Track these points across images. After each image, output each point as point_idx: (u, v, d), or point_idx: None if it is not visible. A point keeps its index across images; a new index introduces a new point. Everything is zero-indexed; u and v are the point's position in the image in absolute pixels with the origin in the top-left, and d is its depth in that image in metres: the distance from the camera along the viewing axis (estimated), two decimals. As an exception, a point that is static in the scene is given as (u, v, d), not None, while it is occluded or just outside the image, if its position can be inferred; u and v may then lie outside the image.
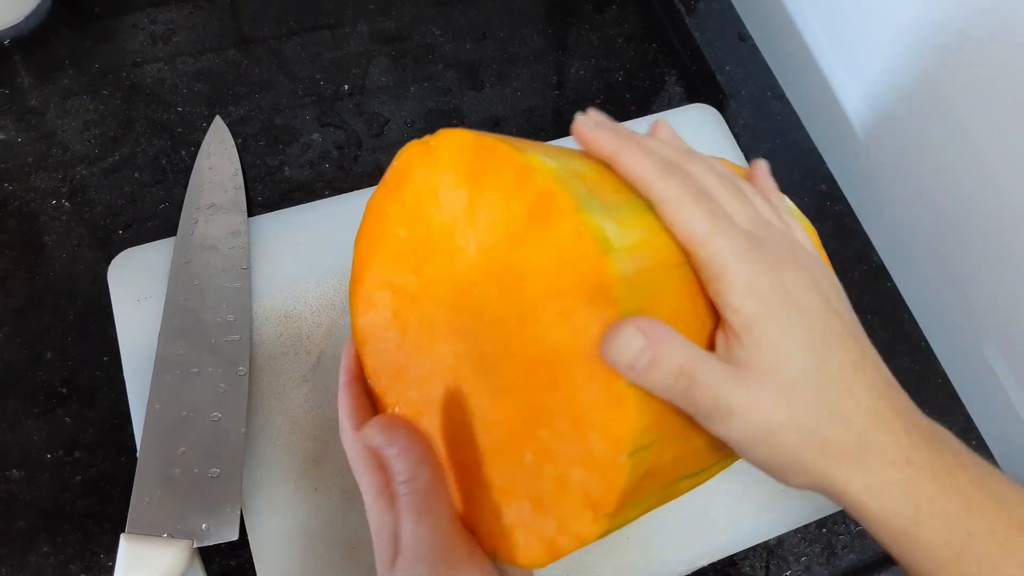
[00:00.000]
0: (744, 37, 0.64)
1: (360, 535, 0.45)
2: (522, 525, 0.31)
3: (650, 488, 0.30)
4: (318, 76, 0.60)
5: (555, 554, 0.31)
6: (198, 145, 0.54)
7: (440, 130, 0.33)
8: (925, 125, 0.54)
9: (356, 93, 0.59)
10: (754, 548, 0.48)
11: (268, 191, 0.55)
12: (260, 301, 0.50)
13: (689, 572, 0.46)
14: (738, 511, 0.48)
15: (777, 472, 0.30)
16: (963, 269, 0.54)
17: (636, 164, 0.30)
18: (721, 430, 0.29)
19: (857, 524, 0.50)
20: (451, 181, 0.33)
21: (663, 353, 0.27)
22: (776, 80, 0.63)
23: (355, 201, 0.53)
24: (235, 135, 0.55)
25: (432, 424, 0.35)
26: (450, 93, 0.60)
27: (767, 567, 0.49)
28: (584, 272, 0.28)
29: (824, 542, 0.50)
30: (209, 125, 0.55)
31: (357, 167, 0.57)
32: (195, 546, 0.41)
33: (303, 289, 0.50)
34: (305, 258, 0.51)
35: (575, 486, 0.29)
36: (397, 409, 0.36)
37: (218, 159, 0.53)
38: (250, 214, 0.52)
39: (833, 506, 0.49)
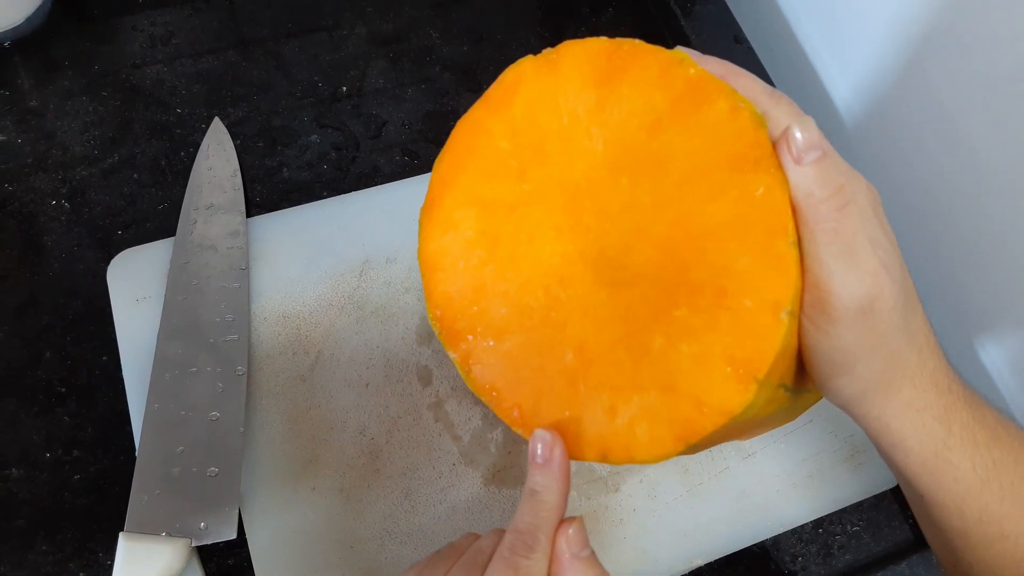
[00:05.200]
0: (740, 40, 0.65)
1: (357, 534, 0.45)
2: (646, 417, 0.31)
3: (778, 371, 0.30)
4: (316, 78, 0.60)
5: (689, 438, 0.30)
6: (197, 146, 0.55)
7: (563, 42, 0.35)
8: (915, 122, 0.55)
9: (354, 95, 0.60)
10: (750, 548, 0.48)
11: (266, 192, 0.55)
12: (258, 301, 0.50)
13: (685, 572, 0.47)
14: (734, 512, 0.48)
15: (851, 360, 0.31)
16: (955, 264, 0.55)
17: (747, 81, 0.32)
18: (841, 280, 0.29)
19: (853, 524, 0.50)
20: (576, 86, 0.34)
21: (830, 162, 0.29)
22: (772, 81, 0.63)
23: (353, 202, 0.54)
24: (234, 136, 0.56)
25: (519, 340, 0.35)
26: (447, 95, 0.61)
27: (763, 567, 0.49)
28: (743, 146, 0.30)
29: (820, 543, 0.50)
30: (208, 126, 0.56)
31: (355, 168, 0.57)
32: (193, 545, 0.41)
33: (301, 289, 0.50)
34: (303, 259, 0.51)
35: (719, 358, 0.30)
36: (471, 338, 0.36)
37: (217, 160, 0.54)
38: (248, 215, 0.52)
39: (830, 507, 0.49)
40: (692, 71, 0.31)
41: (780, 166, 0.29)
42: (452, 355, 0.36)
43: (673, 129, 0.32)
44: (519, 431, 0.35)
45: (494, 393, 0.35)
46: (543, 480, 0.32)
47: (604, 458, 0.33)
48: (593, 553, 0.33)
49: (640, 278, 0.32)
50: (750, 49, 0.64)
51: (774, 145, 0.30)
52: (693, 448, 0.31)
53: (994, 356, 0.54)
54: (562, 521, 0.33)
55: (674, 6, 0.65)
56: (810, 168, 0.28)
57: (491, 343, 0.35)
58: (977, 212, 0.52)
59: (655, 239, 0.32)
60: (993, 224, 0.51)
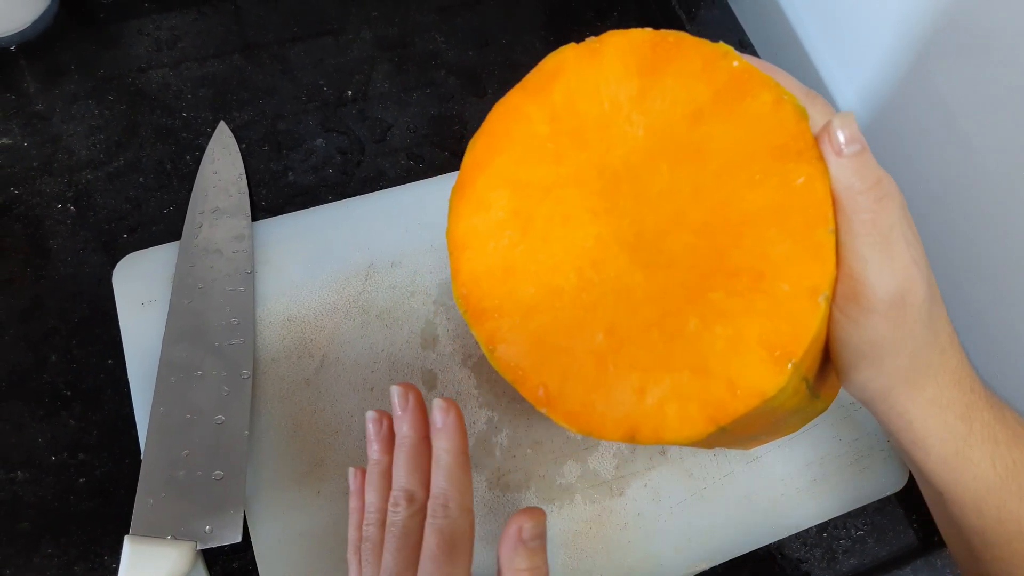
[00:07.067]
0: (745, 44, 0.65)
1: (362, 538, 0.45)
2: (676, 397, 0.32)
3: (809, 359, 0.31)
4: (321, 82, 0.60)
5: (720, 418, 0.31)
6: (202, 150, 0.55)
7: (606, 32, 0.36)
8: (920, 127, 0.55)
9: (359, 99, 0.60)
10: (755, 552, 0.48)
11: (272, 196, 0.55)
12: (264, 305, 0.50)
13: None
14: (739, 516, 0.48)
15: (880, 353, 0.31)
16: (959, 268, 0.55)
17: (784, 79, 0.33)
18: (876, 271, 0.29)
19: (858, 528, 0.50)
20: (618, 74, 0.35)
21: (870, 156, 0.30)
22: (776, 87, 0.63)
23: (358, 206, 0.54)
24: (239, 140, 0.56)
25: (547, 320, 0.35)
26: (452, 99, 0.61)
27: (768, 571, 0.49)
28: (786, 136, 0.31)
29: (824, 547, 0.50)
30: (213, 130, 0.56)
31: (360, 172, 0.57)
32: (198, 548, 0.42)
33: (306, 293, 0.51)
34: (308, 262, 0.51)
35: (754, 341, 0.30)
36: (498, 316, 0.36)
37: (222, 164, 0.54)
38: (254, 219, 0.52)
39: (834, 511, 0.49)
40: (736, 63, 0.32)
41: (821, 158, 0.30)
42: (477, 334, 0.36)
43: (716, 119, 0.32)
44: (543, 410, 0.35)
45: (519, 372, 0.35)
46: (407, 431, 0.39)
47: (631, 438, 0.33)
48: (544, 546, 0.35)
49: (677, 261, 0.33)
50: (755, 54, 0.64)
51: (817, 136, 0.30)
52: (722, 431, 0.31)
53: (999, 361, 0.54)
54: (527, 509, 0.36)
55: (679, 11, 0.65)
56: (850, 160, 0.29)
57: (518, 322, 0.36)
58: (982, 216, 0.52)
59: (693, 224, 0.32)
60: (998, 227, 0.51)
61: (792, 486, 0.49)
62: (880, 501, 0.50)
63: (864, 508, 0.50)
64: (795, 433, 0.50)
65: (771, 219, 0.31)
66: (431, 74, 0.62)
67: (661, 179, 0.34)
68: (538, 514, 0.36)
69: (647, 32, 0.35)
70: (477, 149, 0.38)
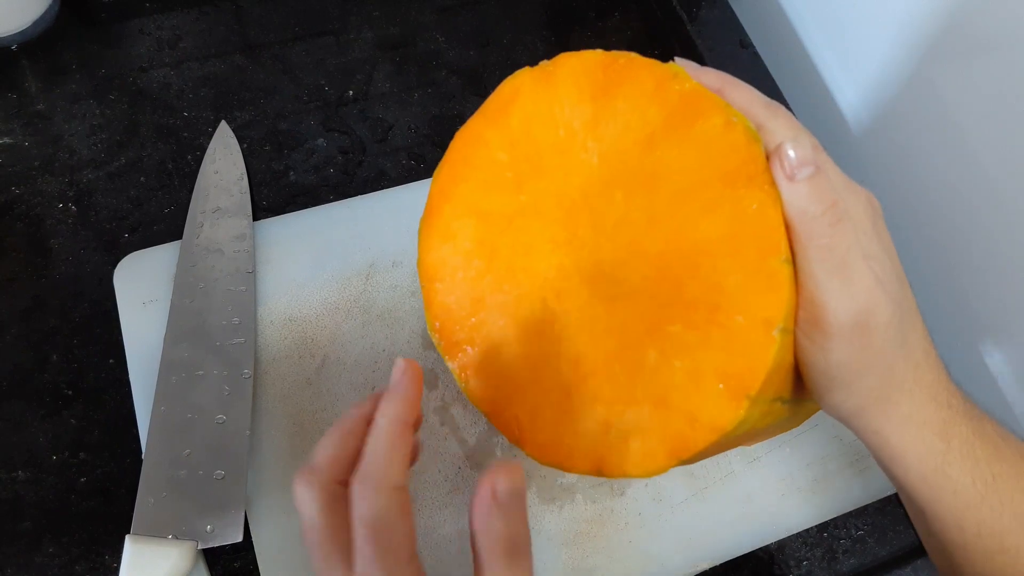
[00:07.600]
0: (745, 44, 0.65)
1: (363, 537, 0.45)
2: (638, 431, 0.31)
3: (772, 386, 0.30)
4: (323, 82, 0.60)
5: (681, 453, 0.30)
6: (203, 150, 0.55)
7: (560, 55, 0.35)
8: (921, 127, 0.55)
9: (360, 99, 0.60)
10: (755, 552, 0.48)
11: (273, 196, 0.55)
12: (265, 304, 0.50)
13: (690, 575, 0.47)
14: (739, 516, 0.48)
15: (848, 375, 0.31)
16: (960, 268, 0.55)
17: (744, 93, 0.32)
18: (835, 296, 0.29)
19: (858, 528, 0.50)
20: (572, 99, 0.34)
21: (823, 178, 0.29)
22: (777, 85, 0.63)
23: (359, 206, 0.54)
24: (240, 140, 0.56)
25: (516, 352, 0.35)
26: (453, 99, 0.61)
27: (768, 571, 0.49)
28: (737, 161, 0.30)
29: (825, 547, 0.50)
30: (215, 130, 0.56)
31: (361, 172, 0.57)
32: (200, 547, 0.42)
33: (307, 293, 0.51)
34: (309, 262, 0.51)
35: (711, 374, 0.30)
36: (469, 349, 0.36)
37: (223, 164, 0.54)
38: (255, 218, 0.52)
39: (835, 511, 0.49)
40: (687, 85, 0.31)
41: (774, 181, 0.29)
42: (451, 365, 0.36)
43: (667, 144, 0.32)
44: (514, 443, 0.35)
45: (492, 405, 0.35)
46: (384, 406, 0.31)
47: (599, 472, 0.33)
48: (523, 507, 0.30)
49: (635, 293, 0.32)
50: (755, 54, 0.64)
51: (769, 159, 0.29)
52: (686, 463, 0.31)
53: (1000, 364, 0.54)
54: (499, 463, 0.30)
55: (680, 11, 0.65)
56: (803, 185, 0.28)
57: (489, 355, 0.35)
58: (982, 218, 0.52)
59: (649, 254, 0.32)
60: (998, 230, 0.51)
61: (792, 486, 0.49)
62: (880, 501, 0.51)
63: (864, 508, 0.50)
64: (795, 434, 0.50)
65: (724, 248, 0.30)
66: (432, 74, 0.62)
67: (617, 208, 0.33)
68: (514, 469, 0.30)
69: (599, 54, 0.34)
70: (442, 177, 0.38)
